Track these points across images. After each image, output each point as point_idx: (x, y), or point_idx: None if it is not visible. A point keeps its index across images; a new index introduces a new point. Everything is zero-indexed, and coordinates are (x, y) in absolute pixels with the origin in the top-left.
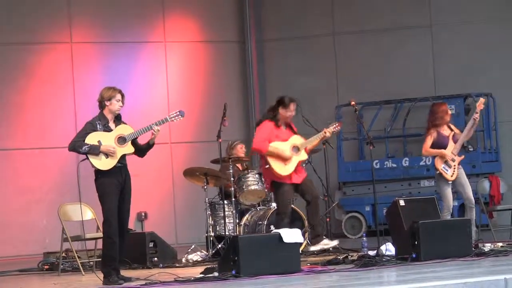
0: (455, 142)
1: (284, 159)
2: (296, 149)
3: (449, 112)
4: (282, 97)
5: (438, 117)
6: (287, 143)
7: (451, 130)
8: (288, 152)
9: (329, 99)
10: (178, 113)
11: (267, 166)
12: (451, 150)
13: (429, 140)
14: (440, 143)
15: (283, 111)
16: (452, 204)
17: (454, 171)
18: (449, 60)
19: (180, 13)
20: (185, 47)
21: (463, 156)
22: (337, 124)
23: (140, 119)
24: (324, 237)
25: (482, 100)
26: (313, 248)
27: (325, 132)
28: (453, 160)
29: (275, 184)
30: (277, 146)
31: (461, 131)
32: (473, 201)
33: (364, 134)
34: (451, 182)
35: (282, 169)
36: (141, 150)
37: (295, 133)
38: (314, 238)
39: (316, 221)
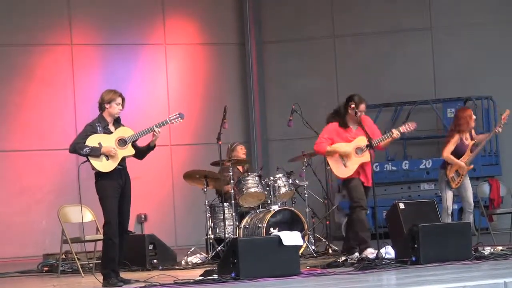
0: (471, 151)
1: (344, 160)
2: (360, 150)
3: (473, 117)
4: (352, 96)
5: (463, 123)
6: (351, 144)
7: (472, 138)
8: (345, 147)
9: (328, 101)
10: (177, 115)
11: (328, 167)
12: (466, 159)
13: (451, 145)
14: (459, 151)
15: (351, 111)
16: (451, 206)
17: (460, 180)
18: (449, 62)
19: (180, 15)
20: (185, 49)
21: (471, 166)
22: (409, 125)
23: (140, 121)
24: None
25: (507, 112)
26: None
27: (392, 133)
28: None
29: (344, 181)
30: (338, 147)
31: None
32: (472, 206)
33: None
34: (453, 189)
35: (341, 171)
36: (140, 152)
37: (365, 132)
38: (347, 250)
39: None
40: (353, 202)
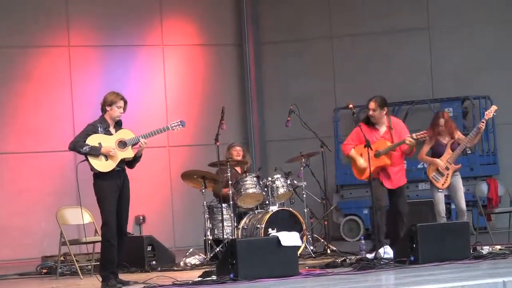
0: (453, 150)
1: (359, 167)
2: (377, 154)
3: (441, 121)
4: (382, 97)
5: (430, 128)
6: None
7: (452, 137)
8: (361, 160)
9: (327, 102)
10: (179, 122)
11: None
12: (446, 158)
13: (425, 147)
14: (436, 151)
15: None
16: (443, 209)
17: (446, 179)
18: (447, 62)
19: (177, 16)
20: (182, 50)
21: (459, 165)
22: (423, 133)
23: (137, 122)
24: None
25: (494, 108)
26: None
27: (405, 140)
28: (447, 169)
29: (366, 182)
30: (356, 158)
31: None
32: (464, 211)
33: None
34: (442, 190)
35: (359, 172)
36: (129, 162)
37: (364, 137)
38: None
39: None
40: (372, 202)
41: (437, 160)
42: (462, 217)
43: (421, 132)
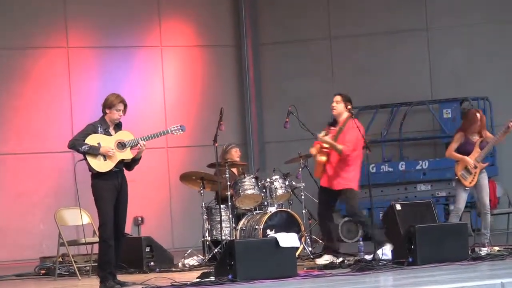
0: (481, 148)
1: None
2: (316, 137)
3: (478, 118)
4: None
5: (465, 123)
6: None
7: (481, 136)
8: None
9: (325, 103)
10: (179, 127)
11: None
12: (475, 156)
13: (454, 144)
14: (464, 149)
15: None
16: (462, 209)
17: (473, 178)
18: (446, 63)
19: (176, 17)
20: (181, 52)
21: (487, 163)
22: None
23: (136, 123)
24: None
25: None
26: (318, 261)
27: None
28: (475, 167)
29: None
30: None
31: (493, 135)
32: (488, 207)
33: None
34: (468, 188)
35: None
36: (127, 164)
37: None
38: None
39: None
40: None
41: (467, 158)
42: (486, 214)
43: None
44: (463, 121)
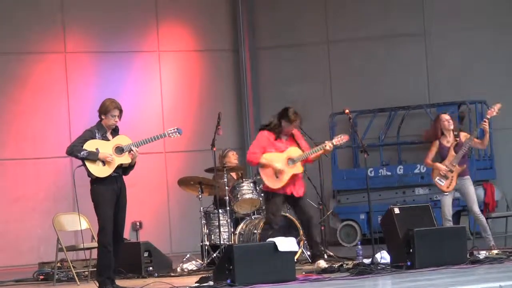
0: (456, 152)
1: (276, 171)
2: (292, 161)
3: (445, 119)
4: (287, 110)
5: (433, 129)
6: (283, 154)
7: (456, 138)
8: (281, 165)
9: (323, 107)
10: (176, 130)
11: (259, 177)
12: (449, 160)
13: (429, 153)
14: (441, 154)
15: (286, 124)
16: (449, 211)
17: (451, 182)
18: (443, 67)
19: (173, 22)
20: (178, 56)
21: (464, 166)
22: (342, 137)
23: (134, 128)
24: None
25: (498, 106)
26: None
27: (325, 145)
28: (451, 171)
29: (266, 193)
30: (270, 157)
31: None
32: (478, 212)
33: (359, 142)
34: (447, 193)
35: (273, 182)
36: (123, 169)
37: (297, 143)
38: (313, 258)
39: (311, 242)
40: (266, 218)
41: (438, 164)
42: (478, 219)
43: (341, 137)
44: (431, 130)
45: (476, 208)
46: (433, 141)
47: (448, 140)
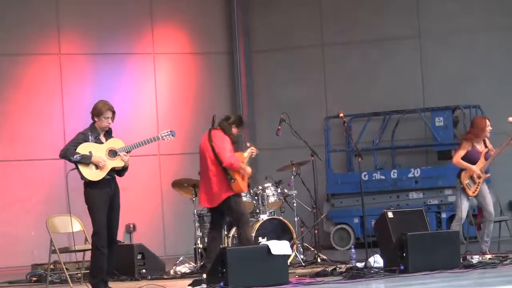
0: (486, 159)
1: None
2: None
3: (488, 127)
4: (240, 117)
5: (473, 131)
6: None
7: (486, 146)
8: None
9: (317, 111)
10: (169, 132)
11: (233, 180)
12: (480, 166)
13: (462, 151)
14: (471, 158)
15: (236, 130)
16: (465, 217)
17: (477, 188)
18: (438, 71)
19: (168, 24)
20: (173, 59)
21: (489, 174)
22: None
23: (128, 130)
24: None
25: None
26: None
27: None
28: (479, 177)
29: (234, 196)
30: (245, 166)
31: (492, 147)
32: (493, 214)
33: (353, 146)
34: (470, 198)
35: (243, 184)
36: (118, 171)
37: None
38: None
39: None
40: (244, 216)
41: (475, 168)
42: (491, 222)
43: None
44: (471, 129)
45: (493, 210)
46: (469, 141)
47: (481, 146)
